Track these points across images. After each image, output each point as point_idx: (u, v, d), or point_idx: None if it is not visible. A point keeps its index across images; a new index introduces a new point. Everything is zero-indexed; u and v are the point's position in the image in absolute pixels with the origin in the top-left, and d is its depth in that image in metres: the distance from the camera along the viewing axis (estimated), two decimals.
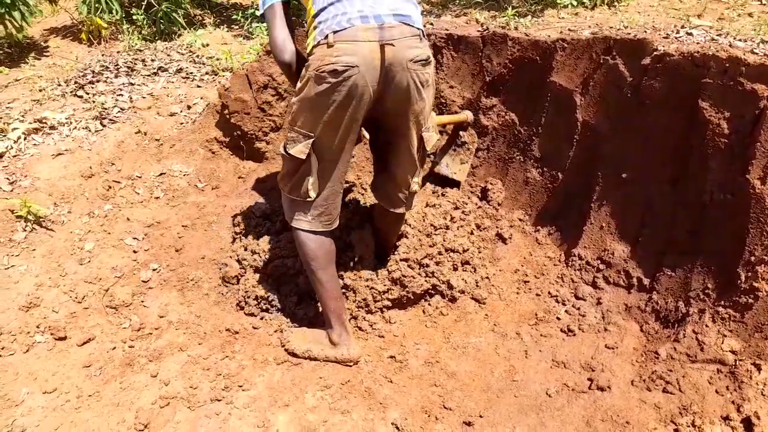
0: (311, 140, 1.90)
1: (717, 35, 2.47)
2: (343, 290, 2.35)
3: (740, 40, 2.32)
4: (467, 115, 2.98)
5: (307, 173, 1.97)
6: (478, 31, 3.02)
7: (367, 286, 2.35)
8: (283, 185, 2.07)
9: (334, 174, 2.01)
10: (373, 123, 2.08)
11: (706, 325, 2.10)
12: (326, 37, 1.74)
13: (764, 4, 3.71)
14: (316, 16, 1.81)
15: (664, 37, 2.47)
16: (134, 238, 2.73)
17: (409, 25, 1.81)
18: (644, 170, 2.40)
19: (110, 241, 2.67)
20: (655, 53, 2.30)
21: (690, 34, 2.50)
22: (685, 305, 2.19)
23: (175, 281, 2.54)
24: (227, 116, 3.21)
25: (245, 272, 2.48)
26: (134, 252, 2.66)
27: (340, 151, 1.96)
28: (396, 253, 2.44)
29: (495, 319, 2.43)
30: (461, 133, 3.00)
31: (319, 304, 2.26)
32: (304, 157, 1.91)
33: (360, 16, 1.75)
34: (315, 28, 1.81)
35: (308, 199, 2.01)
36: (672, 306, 2.24)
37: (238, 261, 2.54)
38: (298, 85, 1.88)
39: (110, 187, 2.89)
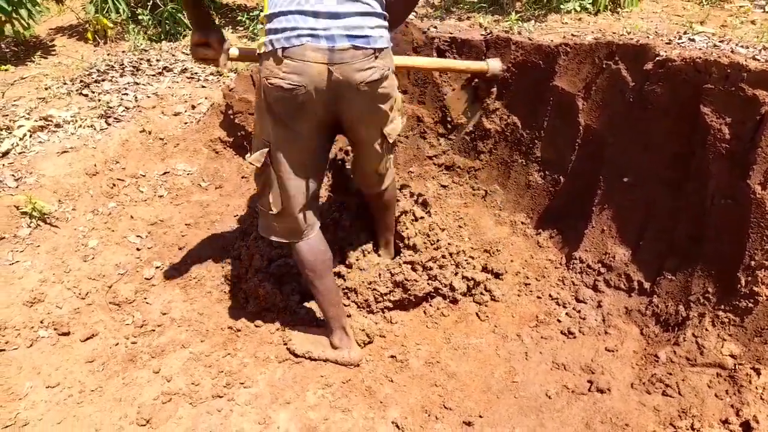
0: (267, 149, 1.84)
1: (719, 41, 2.49)
2: (345, 290, 2.37)
3: (742, 46, 2.34)
4: (488, 66, 2.86)
5: (267, 184, 1.91)
6: (482, 35, 3.04)
7: (369, 287, 2.37)
8: (256, 193, 2.03)
9: (296, 189, 1.90)
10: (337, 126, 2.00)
11: (706, 329, 2.11)
12: (276, 51, 1.65)
13: (767, 12, 3.73)
14: (269, 18, 1.69)
15: (666, 43, 2.49)
16: (138, 236, 2.74)
17: (362, 48, 1.68)
18: (646, 174, 2.41)
19: (114, 238, 2.69)
20: (657, 58, 2.31)
21: (692, 40, 2.52)
22: (685, 309, 2.20)
23: (178, 279, 2.55)
24: (231, 116, 3.23)
25: (247, 271, 2.49)
26: (137, 249, 2.68)
27: (300, 165, 1.87)
28: (401, 255, 2.46)
29: (496, 320, 2.44)
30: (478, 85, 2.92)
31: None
32: (259, 165, 1.86)
33: (310, 34, 1.63)
34: (266, 32, 1.69)
35: (271, 212, 1.96)
36: (672, 310, 2.25)
37: (240, 260, 2.55)
38: (256, 89, 1.86)
39: (114, 185, 2.91)
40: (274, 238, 2.03)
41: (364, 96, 1.76)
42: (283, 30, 1.63)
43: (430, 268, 2.46)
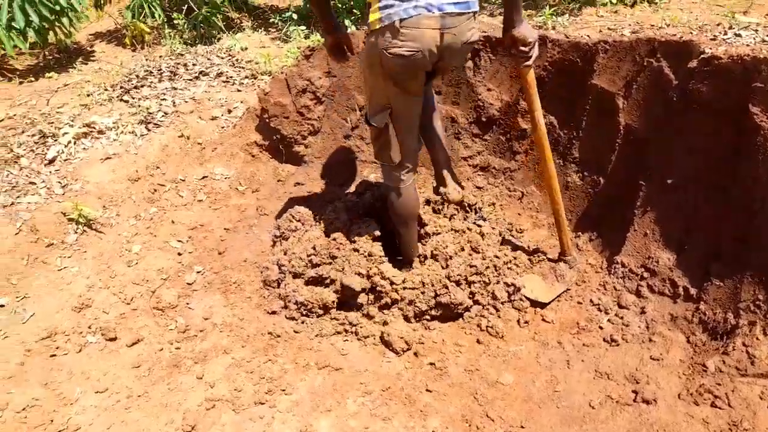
0: (388, 111, 2.15)
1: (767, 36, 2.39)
2: (383, 304, 2.40)
3: None
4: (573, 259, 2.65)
5: (387, 141, 2.23)
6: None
7: (410, 302, 2.38)
8: (374, 149, 2.36)
9: (411, 139, 2.28)
10: None
11: (757, 338, 2.04)
12: (393, 23, 1.90)
13: None
14: None
15: (711, 39, 2.40)
16: (179, 241, 2.80)
17: (465, 12, 1.98)
18: (690, 177, 2.34)
19: (156, 243, 2.75)
20: (702, 56, 2.23)
21: (738, 35, 2.42)
22: (734, 317, 2.13)
23: (218, 284, 2.60)
24: (267, 120, 3.26)
25: (285, 276, 2.52)
26: (179, 254, 2.74)
27: (414, 117, 2.25)
28: (447, 268, 2.45)
29: (536, 327, 2.41)
30: (563, 263, 2.65)
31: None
32: (383, 126, 2.18)
33: (426, 4, 1.89)
34: (380, 9, 1.93)
35: (393, 164, 2.29)
36: (720, 317, 2.18)
37: (278, 265, 2.58)
38: (365, 60, 2.11)
39: (155, 190, 2.97)
40: (394, 184, 2.34)
41: (463, 50, 2.13)
42: (400, 4, 1.89)
43: (474, 282, 2.44)
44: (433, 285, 2.39)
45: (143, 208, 2.88)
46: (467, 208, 2.79)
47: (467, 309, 2.45)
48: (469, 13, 1.99)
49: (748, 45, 2.21)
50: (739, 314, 2.11)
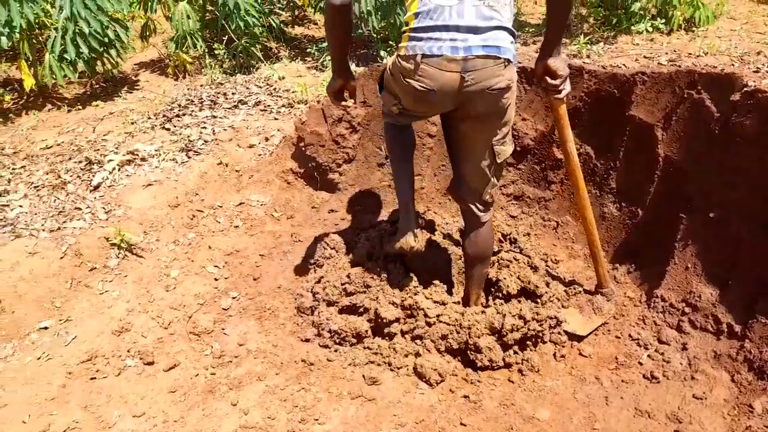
0: (397, 101, 2.13)
1: None
2: (417, 336, 2.37)
3: None
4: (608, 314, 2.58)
5: (390, 110, 2.24)
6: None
7: (443, 337, 2.35)
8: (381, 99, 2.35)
9: (414, 120, 2.34)
10: (451, 118, 2.20)
11: None
12: (416, 56, 1.88)
13: None
14: (415, 29, 1.91)
15: (754, 71, 2.37)
16: (215, 266, 2.85)
17: (495, 57, 1.87)
18: (734, 210, 2.28)
19: (193, 268, 2.80)
20: (745, 89, 2.20)
21: None
22: None
23: (253, 310, 2.63)
24: (303, 148, 3.32)
25: (319, 304, 2.53)
26: (215, 280, 2.78)
27: (422, 117, 2.33)
28: (487, 314, 2.38)
29: (572, 361, 2.36)
30: (600, 296, 2.62)
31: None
32: (392, 108, 2.19)
33: (451, 46, 1.84)
34: (410, 38, 1.92)
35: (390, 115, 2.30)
36: (767, 356, 2.10)
37: (312, 293, 2.60)
38: (390, 66, 2.07)
39: (194, 216, 3.05)
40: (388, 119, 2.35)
41: (489, 100, 1.96)
42: (428, 39, 1.86)
43: (526, 317, 2.35)
44: (469, 329, 2.31)
45: (182, 234, 2.95)
46: (502, 239, 2.77)
47: (495, 367, 2.35)
48: (499, 58, 1.87)
49: None
50: None
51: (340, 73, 2.19)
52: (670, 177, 2.57)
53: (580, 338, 2.47)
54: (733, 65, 2.52)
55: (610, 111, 2.81)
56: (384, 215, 3.18)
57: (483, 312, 2.36)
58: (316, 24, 5.86)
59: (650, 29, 4.02)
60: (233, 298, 2.70)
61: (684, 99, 2.49)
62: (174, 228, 2.96)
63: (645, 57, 3.20)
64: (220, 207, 3.16)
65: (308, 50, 4.77)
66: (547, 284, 2.54)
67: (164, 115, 3.70)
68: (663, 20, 4.02)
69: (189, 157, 3.31)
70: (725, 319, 2.26)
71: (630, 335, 2.43)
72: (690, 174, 2.46)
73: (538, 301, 2.43)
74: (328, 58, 4.29)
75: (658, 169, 2.61)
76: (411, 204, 2.35)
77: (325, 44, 4.53)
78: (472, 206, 2.29)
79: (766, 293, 2.17)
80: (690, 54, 3.17)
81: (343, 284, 2.48)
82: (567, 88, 2.20)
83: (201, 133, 3.50)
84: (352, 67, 4.11)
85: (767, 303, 2.15)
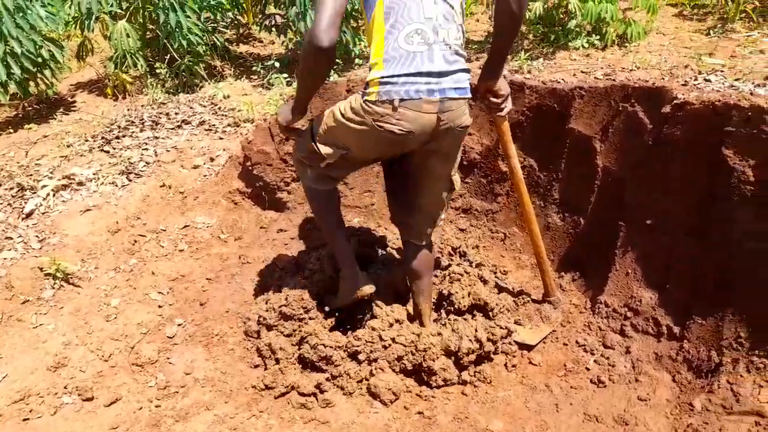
0: (344, 152, 2.07)
1: (735, 80, 2.48)
2: (371, 358, 2.31)
3: (759, 85, 2.33)
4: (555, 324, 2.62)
5: (322, 160, 2.13)
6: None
7: (398, 358, 2.32)
8: (300, 155, 2.26)
9: (352, 171, 2.32)
10: (404, 158, 2.21)
11: (741, 376, 2.05)
12: (392, 101, 1.86)
13: None
14: (386, 75, 1.86)
15: (682, 84, 2.49)
16: (159, 293, 2.75)
17: (463, 97, 1.97)
18: (668, 217, 2.38)
19: (136, 296, 2.70)
20: (674, 101, 2.31)
21: (708, 80, 2.51)
22: (718, 355, 2.14)
23: (200, 336, 2.54)
24: (249, 168, 3.27)
25: (266, 328, 2.47)
26: (159, 307, 2.69)
27: (366, 164, 2.27)
28: (442, 336, 2.35)
29: (523, 371, 2.39)
30: (548, 304, 2.68)
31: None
32: (331, 160, 2.11)
33: (428, 89, 1.87)
34: (380, 83, 1.87)
35: (314, 170, 2.22)
36: (704, 355, 2.18)
37: (259, 316, 2.53)
38: (347, 112, 1.97)
39: (136, 242, 2.94)
40: (311, 184, 2.28)
41: (456, 136, 2.07)
42: (403, 84, 1.86)
43: (482, 340, 2.36)
44: (425, 351, 2.29)
45: (123, 260, 2.84)
46: (452, 252, 2.79)
47: (449, 383, 2.35)
48: (466, 98, 1.98)
49: (718, 90, 2.29)
50: (723, 352, 2.12)
51: (302, 112, 2.15)
52: (608, 187, 2.66)
53: (530, 347, 2.51)
54: (663, 79, 2.64)
55: (551, 124, 2.89)
56: None
57: (439, 334, 2.34)
58: (261, 42, 5.81)
59: (586, 45, 4.18)
60: (179, 325, 2.61)
61: (619, 112, 2.59)
62: (114, 254, 2.84)
63: (582, 72, 3.33)
64: (164, 231, 3.06)
65: (254, 68, 4.73)
66: (498, 295, 2.57)
67: (103, 137, 3.57)
68: (598, 36, 4.20)
69: (130, 180, 3.20)
70: (665, 322, 2.34)
71: (577, 341, 2.48)
72: (627, 183, 2.55)
73: (490, 314, 2.45)
74: (274, 76, 4.26)
75: (598, 179, 2.70)
76: (351, 254, 2.37)
77: (270, 62, 4.50)
78: (423, 230, 2.35)
79: (700, 295, 2.26)
80: (624, 68, 3.31)
81: (280, 307, 2.42)
82: (509, 105, 2.28)
83: (142, 154, 3.40)
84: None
85: (702, 304, 2.24)
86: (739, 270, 2.11)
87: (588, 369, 2.36)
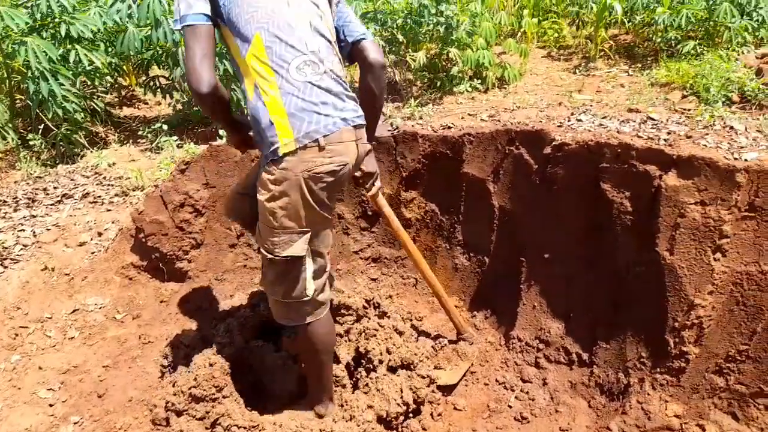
0: (308, 234, 1.89)
1: (603, 118, 2.73)
2: None
3: (624, 122, 2.57)
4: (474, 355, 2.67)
5: (301, 269, 1.93)
6: (389, 131, 3.15)
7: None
8: (273, 292, 2.00)
9: (327, 265, 2.04)
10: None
11: (648, 394, 2.18)
12: (316, 140, 1.78)
13: (631, 75, 4.19)
14: (288, 116, 1.77)
15: (558, 126, 2.69)
16: (49, 389, 2.47)
17: (362, 125, 1.98)
18: (562, 250, 2.53)
19: (21, 397, 2.40)
20: (553, 143, 2.49)
21: (580, 120, 2.74)
22: (625, 376, 2.27)
23: None
24: (143, 239, 3.08)
25: (176, 414, 2.27)
26: (50, 405, 2.40)
27: (329, 239, 2.05)
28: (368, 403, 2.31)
29: (449, 418, 2.39)
30: (463, 341, 2.72)
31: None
32: (304, 253, 1.90)
33: (341, 118, 1.85)
34: (293, 130, 1.76)
35: (305, 298, 1.97)
36: (613, 378, 2.31)
37: (167, 401, 2.32)
38: (272, 191, 1.80)
39: (17, 335, 2.63)
40: (311, 320, 2.03)
41: (372, 157, 2.16)
42: (317, 122, 1.79)
43: (409, 402, 2.34)
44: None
45: (3, 358, 2.52)
46: (366, 304, 2.77)
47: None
48: (363, 125, 1.98)
49: (589, 130, 2.50)
50: (629, 373, 2.26)
51: (233, 131, 2.07)
52: (506, 225, 2.79)
53: (452, 388, 2.52)
54: (541, 122, 2.84)
55: (446, 169, 3.00)
56: (243, 299, 3.02)
57: (371, 407, 2.27)
58: (146, 103, 5.59)
59: (470, 89, 4.45)
60: (75, 423, 2.34)
61: (506, 154, 2.75)
62: None
63: (469, 114, 3.52)
64: (50, 318, 2.77)
65: (140, 132, 4.52)
66: (416, 344, 2.57)
67: None
68: (479, 80, 4.48)
69: (5, 267, 2.88)
70: (574, 350, 2.46)
71: (496, 380, 2.53)
72: (522, 220, 2.70)
73: (410, 366, 2.44)
74: (164, 139, 4.09)
75: (496, 219, 2.82)
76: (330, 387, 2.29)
77: (158, 125, 4.32)
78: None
79: (600, 321, 2.40)
80: (506, 108, 3.54)
81: (190, 388, 2.25)
82: (377, 184, 2.30)
83: (18, 237, 3.09)
84: (191, 146, 3.97)
85: (604, 329, 2.38)
86: (630, 294, 2.28)
87: (510, 407, 2.41)
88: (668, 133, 2.31)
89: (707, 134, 2.30)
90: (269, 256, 1.89)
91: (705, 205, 2.03)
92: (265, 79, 1.78)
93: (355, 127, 1.91)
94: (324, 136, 1.79)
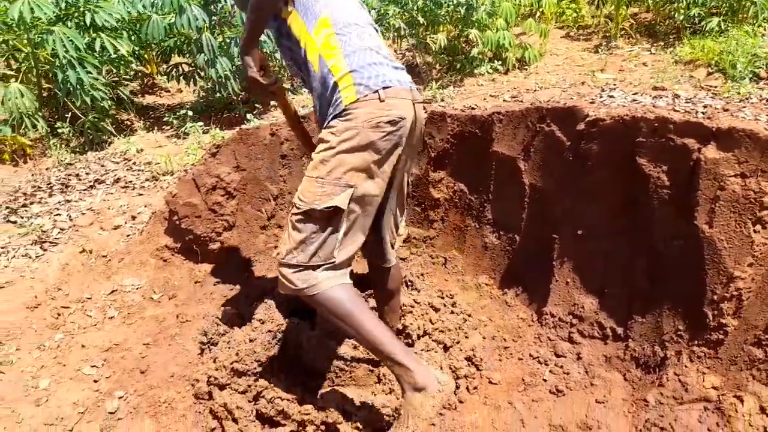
0: (352, 190, 1.82)
1: (634, 94, 2.73)
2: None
3: (656, 97, 2.57)
4: None
5: (338, 226, 1.84)
6: None
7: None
8: (298, 253, 1.83)
9: (365, 230, 1.95)
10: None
11: (686, 366, 2.19)
12: (376, 92, 1.85)
13: (653, 53, 4.16)
14: (354, 73, 1.86)
15: (590, 102, 2.69)
16: (93, 366, 2.53)
17: (419, 94, 2.04)
18: (597, 225, 2.53)
19: (67, 373, 2.46)
20: (587, 119, 2.49)
21: (612, 96, 2.74)
22: (661, 349, 2.28)
23: (146, 407, 2.35)
24: (177, 222, 3.13)
25: (218, 388, 2.33)
26: (95, 381, 2.47)
27: (374, 203, 1.93)
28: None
29: (484, 391, 2.42)
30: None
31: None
32: (345, 207, 1.81)
33: (398, 79, 1.93)
34: (354, 84, 1.85)
35: (331, 261, 1.85)
36: (649, 351, 2.32)
37: (209, 376, 2.39)
38: (329, 142, 1.83)
39: (59, 315, 2.70)
40: (333, 284, 1.85)
41: (420, 134, 2.09)
42: (377, 76, 1.87)
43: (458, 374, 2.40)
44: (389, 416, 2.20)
45: (47, 336, 2.59)
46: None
47: None
48: (420, 97, 2.05)
49: (623, 105, 2.50)
50: (666, 346, 2.27)
51: (254, 45, 2.01)
52: (537, 203, 2.80)
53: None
54: (572, 98, 2.84)
55: (475, 149, 3.02)
56: (274, 280, 3.07)
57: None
58: (168, 91, 5.65)
59: (490, 71, 4.44)
60: (120, 398, 2.40)
61: (537, 132, 2.75)
62: (37, 331, 2.59)
63: (491, 96, 3.52)
64: (89, 299, 2.84)
65: (165, 119, 4.57)
66: (451, 318, 2.61)
67: (7, 207, 3.28)
68: (500, 62, 4.47)
69: (45, 250, 2.95)
70: (608, 324, 2.48)
71: (530, 354, 2.56)
72: (554, 197, 2.70)
73: (447, 341, 2.47)
74: (189, 125, 4.13)
75: (527, 196, 2.83)
76: (402, 345, 1.91)
77: (183, 111, 4.37)
78: (392, 245, 2.28)
79: (637, 295, 2.41)
80: (528, 89, 3.53)
81: (239, 363, 2.31)
82: None
83: (55, 221, 3.15)
84: (217, 131, 4.01)
85: (640, 303, 2.39)
86: (668, 268, 2.29)
87: (545, 380, 2.44)
88: (704, 107, 2.31)
89: (744, 107, 2.29)
90: (307, 207, 1.81)
91: (745, 177, 2.03)
92: (330, 47, 1.91)
93: (412, 89, 1.98)
94: (383, 89, 1.86)
